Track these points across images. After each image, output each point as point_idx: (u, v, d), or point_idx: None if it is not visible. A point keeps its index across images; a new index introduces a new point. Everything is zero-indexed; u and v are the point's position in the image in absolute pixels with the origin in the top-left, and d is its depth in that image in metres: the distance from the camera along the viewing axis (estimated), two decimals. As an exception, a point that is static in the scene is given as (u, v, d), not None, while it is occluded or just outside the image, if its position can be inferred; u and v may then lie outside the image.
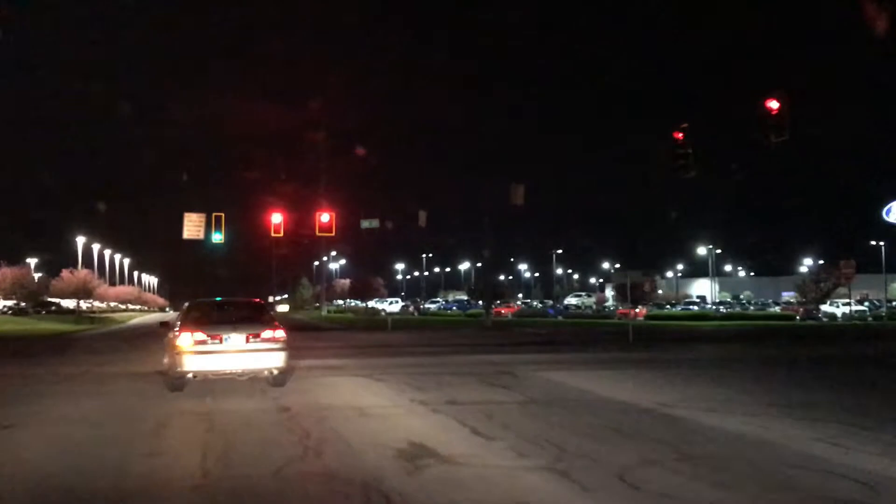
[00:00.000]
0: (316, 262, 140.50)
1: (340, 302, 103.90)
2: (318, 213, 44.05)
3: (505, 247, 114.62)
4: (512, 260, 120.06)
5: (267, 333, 12.80)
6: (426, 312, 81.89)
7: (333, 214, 43.61)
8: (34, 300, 72.13)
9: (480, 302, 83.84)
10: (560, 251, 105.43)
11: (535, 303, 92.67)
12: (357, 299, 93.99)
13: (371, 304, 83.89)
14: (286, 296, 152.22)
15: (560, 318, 71.48)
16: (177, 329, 13.58)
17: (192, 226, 43.65)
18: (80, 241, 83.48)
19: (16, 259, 75.15)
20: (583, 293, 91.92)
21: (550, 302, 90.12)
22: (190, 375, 13.07)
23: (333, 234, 44.13)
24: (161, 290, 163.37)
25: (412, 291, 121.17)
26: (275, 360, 13.00)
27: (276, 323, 13.54)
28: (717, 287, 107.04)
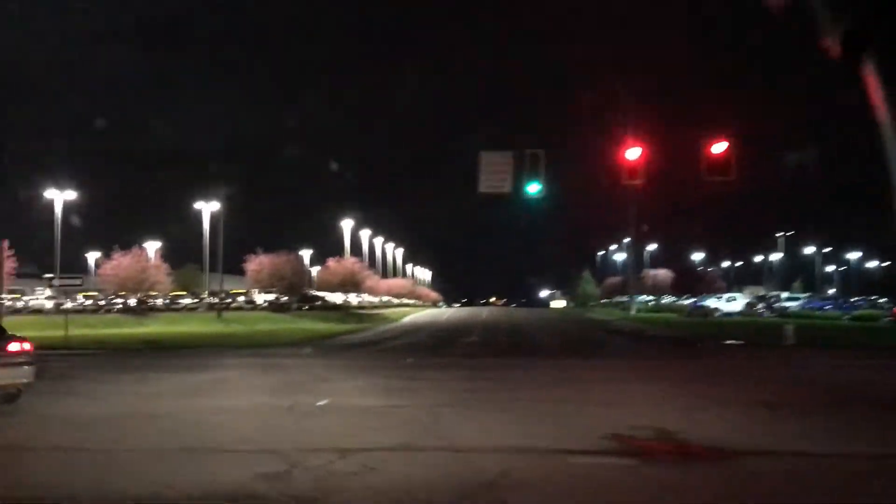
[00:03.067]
0: (601, 252, 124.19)
1: (647, 298, 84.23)
2: (707, 143, 25.91)
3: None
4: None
5: (14, 346, 11.69)
6: (784, 313, 60.22)
7: (730, 144, 25.33)
8: (296, 293, 61.83)
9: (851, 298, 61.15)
10: None
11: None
12: (678, 295, 74.47)
13: (706, 301, 63.82)
14: (556, 291, 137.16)
15: None
16: None
17: (494, 173, 27.79)
18: (348, 224, 72.86)
19: (289, 249, 66.02)
20: None
21: None
22: None
23: (731, 176, 25.99)
24: (434, 284, 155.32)
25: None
26: (25, 375, 11.59)
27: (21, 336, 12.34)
28: None
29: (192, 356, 23.73)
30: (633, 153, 26.25)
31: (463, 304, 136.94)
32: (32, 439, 8.68)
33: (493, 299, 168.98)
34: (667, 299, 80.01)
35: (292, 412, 10.37)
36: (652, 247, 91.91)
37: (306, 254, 76.31)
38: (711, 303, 65.09)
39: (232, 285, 67.23)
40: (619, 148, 26.61)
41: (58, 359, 22.48)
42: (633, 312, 68.68)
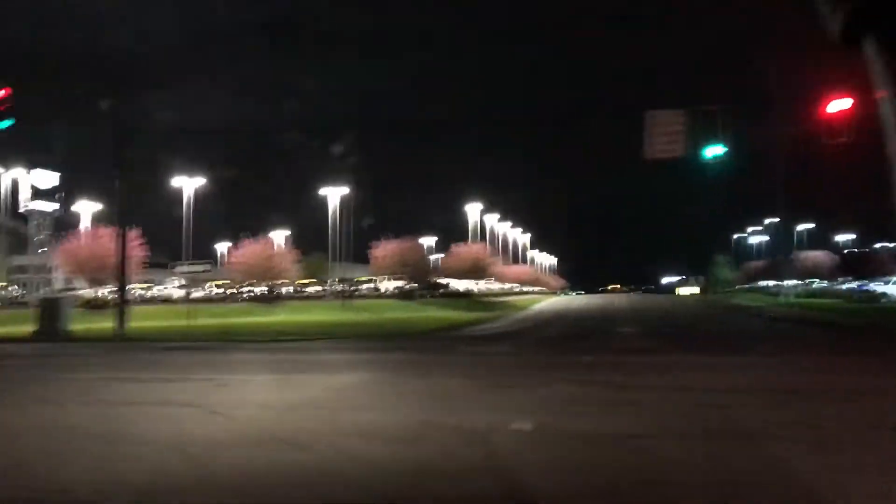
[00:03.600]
0: (736, 235, 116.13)
1: (795, 283, 76.91)
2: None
3: None
4: None
5: None
6: (970, 299, 52.57)
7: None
8: (421, 280, 59.47)
9: None
10: None
11: None
12: (832, 278, 67.33)
13: (871, 285, 56.87)
14: (683, 277, 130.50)
15: None
16: None
17: (663, 135, 24.40)
18: (473, 209, 69.85)
19: (413, 235, 63.75)
20: None
21: None
22: None
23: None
24: (558, 271, 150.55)
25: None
26: None
27: None
28: None
29: (326, 349, 21.17)
30: (838, 105, 21.93)
31: (584, 292, 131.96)
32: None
33: (613, 286, 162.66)
34: (817, 283, 72.67)
35: (486, 441, 7.07)
36: (804, 227, 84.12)
37: (427, 240, 74.04)
38: (878, 287, 58.08)
39: (357, 273, 65.72)
40: (819, 101, 22.29)
41: (186, 352, 20.38)
42: (786, 298, 62.31)
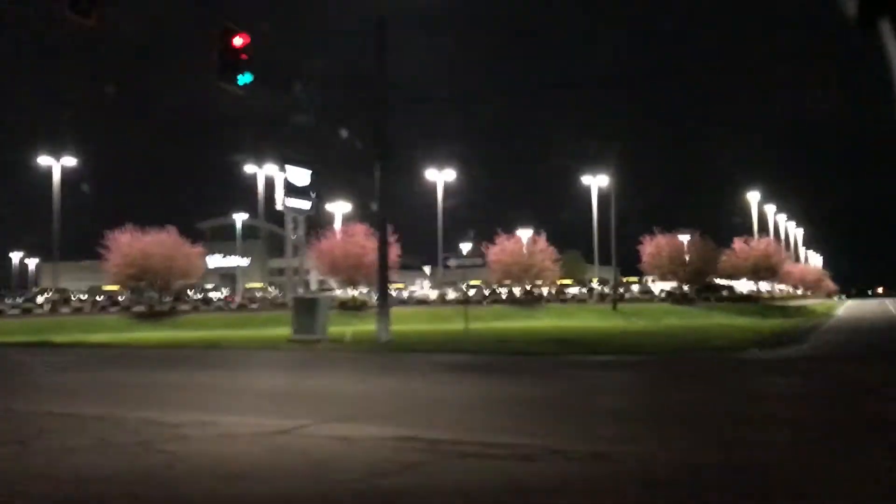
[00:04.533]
0: None
1: None
2: None
3: None
4: None
5: None
6: None
7: None
8: (697, 281, 51.52)
9: None
10: None
11: None
12: None
13: None
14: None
15: None
16: None
17: None
18: (753, 198, 60.68)
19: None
20: None
21: None
22: None
23: None
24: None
25: None
26: None
27: None
28: None
29: (672, 375, 15.02)
30: None
31: (846, 297, 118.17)
32: None
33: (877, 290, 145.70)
34: None
35: None
36: None
37: (684, 238, 65.55)
38: None
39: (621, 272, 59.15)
40: None
41: (489, 374, 14.98)
42: None
